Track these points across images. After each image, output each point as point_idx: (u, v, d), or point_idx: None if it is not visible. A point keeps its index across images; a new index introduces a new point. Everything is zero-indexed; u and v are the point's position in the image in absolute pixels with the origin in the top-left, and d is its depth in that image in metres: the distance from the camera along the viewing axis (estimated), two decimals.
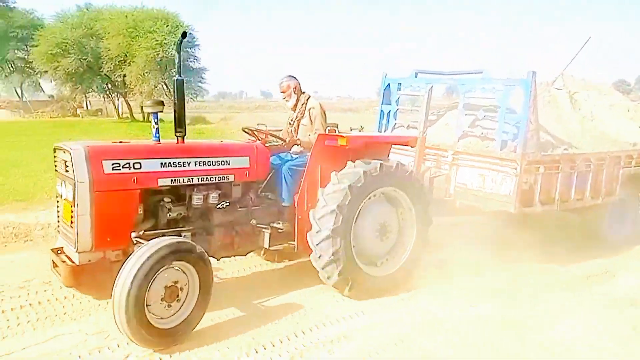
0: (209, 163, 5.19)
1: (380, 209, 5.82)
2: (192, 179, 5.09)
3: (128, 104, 44.97)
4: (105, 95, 47.81)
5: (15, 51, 49.82)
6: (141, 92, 39.84)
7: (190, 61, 42.27)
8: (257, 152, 5.52)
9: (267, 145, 5.80)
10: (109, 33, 41.09)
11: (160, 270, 4.30)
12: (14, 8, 51.34)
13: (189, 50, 41.74)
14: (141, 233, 4.76)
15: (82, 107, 50.74)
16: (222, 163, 5.28)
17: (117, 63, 40.90)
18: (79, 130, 28.61)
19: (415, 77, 7.97)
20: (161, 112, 4.96)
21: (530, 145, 6.54)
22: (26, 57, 49.00)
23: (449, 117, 7.78)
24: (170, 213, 5.04)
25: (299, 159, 5.80)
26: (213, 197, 5.23)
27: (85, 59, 41.81)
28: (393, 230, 5.91)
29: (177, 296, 4.50)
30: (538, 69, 6.39)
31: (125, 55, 40.22)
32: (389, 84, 8.22)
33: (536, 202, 6.69)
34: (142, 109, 41.04)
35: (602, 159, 7.25)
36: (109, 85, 44.67)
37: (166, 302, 4.42)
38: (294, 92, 6.20)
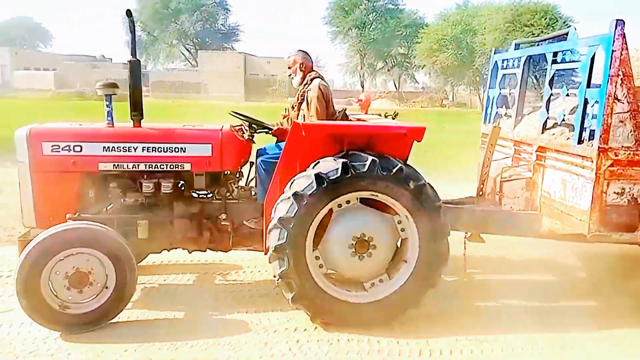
0: (158, 149, 4.87)
1: (370, 219, 4.59)
2: (139, 165, 4.86)
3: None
4: (473, 88, 50.66)
5: (398, 48, 57.22)
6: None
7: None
8: (222, 140, 4.94)
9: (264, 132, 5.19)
10: (485, 28, 43.54)
11: (56, 255, 4.28)
12: (403, 10, 58.51)
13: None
14: (75, 215, 4.76)
15: (448, 99, 54.04)
16: (176, 150, 4.89)
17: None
18: (445, 119, 29.74)
19: (516, 49, 5.96)
20: (115, 94, 4.90)
21: (621, 136, 4.25)
22: (406, 52, 55.64)
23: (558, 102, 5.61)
24: (123, 199, 4.92)
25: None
26: (166, 185, 4.89)
27: (461, 54, 45.20)
28: (380, 251, 4.56)
29: (86, 283, 4.40)
30: None
31: None
32: (495, 61, 6.35)
33: None
34: None
35: None
36: (478, 79, 46.85)
37: (73, 287, 4.37)
38: (300, 69, 5.29)
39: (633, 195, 4.32)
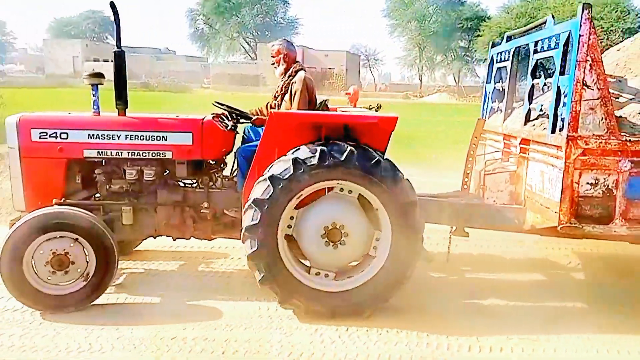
0: (140, 137, 4.99)
1: (323, 208, 4.59)
2: (122, 152, 5.00)
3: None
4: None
5: (459, 41, 56.50)
6: None
7: None
8: (203, 129, 5.01)
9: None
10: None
11: (36, 238, 4.49)
12: (464, 2, 57.20)
13: None
14: (62, 201, 4.95)
15: None
16: (157, 138, 5.00)
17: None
18: None
19: (507, 41, 5.77)
20: (101, 84, 5.07)
21: (592, 124, 4.07)
22: (467, 46, 54.97)
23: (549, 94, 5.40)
24: (108, 185, 5.08)
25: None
26: (149, 173, 5.02)
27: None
28: (353, 227, 4.53)
29: (67, 265, 4.59)
30: None
31: None
32: (492, 55, 6.15)
33: (616, 217, 4.12)
34: None
35: None
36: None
37: (54, 269, 4.57)
38: (284, 59, 5.27)
39: (608, 186, 4.13)
